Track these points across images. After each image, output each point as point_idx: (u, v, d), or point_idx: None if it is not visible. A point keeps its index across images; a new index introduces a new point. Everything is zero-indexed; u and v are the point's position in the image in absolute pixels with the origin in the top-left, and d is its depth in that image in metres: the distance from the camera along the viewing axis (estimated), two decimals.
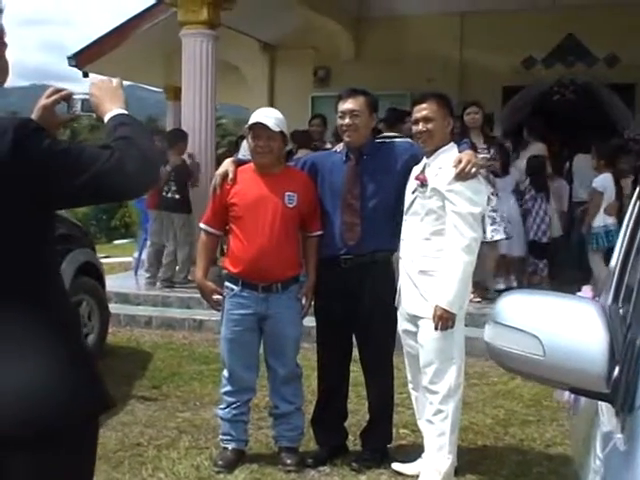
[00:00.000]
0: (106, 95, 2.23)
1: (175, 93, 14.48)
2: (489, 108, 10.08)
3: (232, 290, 4.45)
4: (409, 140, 4.68)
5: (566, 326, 1.74)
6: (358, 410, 5.19)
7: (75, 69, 13.10)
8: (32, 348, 1.94)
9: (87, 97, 2.28)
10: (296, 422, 4.58)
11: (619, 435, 1.65)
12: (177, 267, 9.53)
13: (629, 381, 1.68)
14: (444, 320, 3.98)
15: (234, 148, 11.86)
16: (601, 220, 8.68)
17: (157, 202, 9.34)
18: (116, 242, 18.43)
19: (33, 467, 1.96)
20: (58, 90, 2.31)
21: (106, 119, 2.17)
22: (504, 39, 11.30)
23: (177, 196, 9.27)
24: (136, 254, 11.11)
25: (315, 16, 11.79)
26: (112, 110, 2.18)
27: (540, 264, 9.29)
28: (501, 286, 8.77)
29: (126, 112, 2.18)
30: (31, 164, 1.91)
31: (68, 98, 2.31)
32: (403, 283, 4.28)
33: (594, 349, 1.70)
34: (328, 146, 9.35)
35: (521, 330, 1.78)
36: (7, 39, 2.08)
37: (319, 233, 4.53)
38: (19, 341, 1.94)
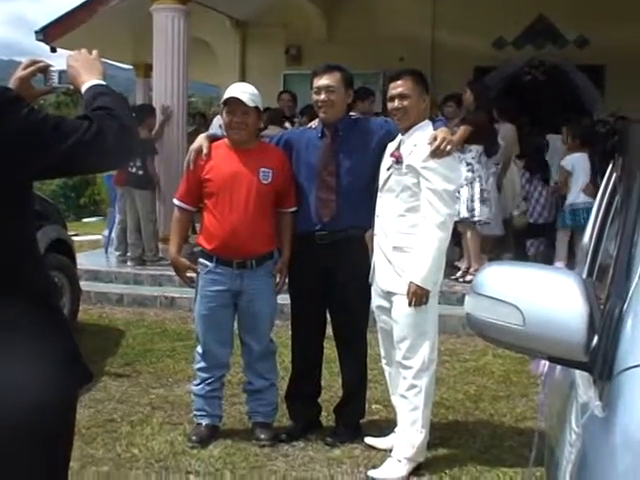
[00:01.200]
0: (84, 66, 2.21)
1: (145, 70, 14.35)
2: (460, 88, 10.14)
3: (206, 266, 4.44)
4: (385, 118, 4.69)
5: (546, 296, 1.76)
6: (331, 386, 5.22)
7: (43, 44, 12.91)
8: (12, 323, 1.94)
9: (64, 69, 2.25)
10: (270, 398, 4.61)
11: (597, 402, 1.68)
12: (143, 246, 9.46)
13: (607, 349, 1.71)
14: (418, 296, 4.01)
15: (203, 123, 11.82)
16: (570, 199, 8.79)
17: (123, 178, 9.27)
18: (85, 220, 18.23)
19: (14, 442, 1.96)
20: (35, 62, 2.29)
21: (83, 89, 2.15)
22: (476, 19, 11.34)
23: (140, 172, 9.18)
24: (106, 232, 11.03)
25: None
26: (90, 80, 2.16)
27: (538, 244, 9.38)
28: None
29: (104, 83, 2.16)
30: (8, 133, 1.88)
31: (45, 70, 2.29)
32: (377, 260, 4.30)
33: (573, 319, 1.72)
34: (295, 121, 9.41)
35: (501, 300, 1.79)
36: None
37: (293, 209, 4.53)
38: None
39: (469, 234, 8.25)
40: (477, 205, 8.02)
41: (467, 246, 8.34)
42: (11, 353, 1.91)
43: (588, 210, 8.66)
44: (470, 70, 11.93)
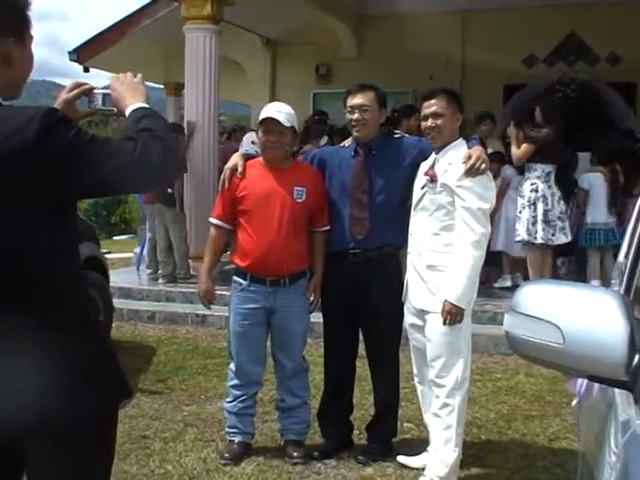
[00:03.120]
0: (128, 89, 2.24)
1: (175, 89, 14.50)
2: (490, 107, 10.14)
3: (240, 284, 4.47)
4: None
5: (586, 315, 1.75)
6: (363, 404, 5.22)
7: (76, 64, 13.11)
8: (52, 341, 1.96)
9: (108, 92, 2.29)
10: (302, 415, 4.61)
11: (638, 422, 1.67)
12: (175, 265, 9.51)
13: None
14: (452, 315, 4.00)
15: (226, 139, 11.92)
16: (589, 218, 8.75)
17: (153, 196, 9.34)
18: (116, 238, 18.40)
19: (56, 457, 2.01)
20: (80, 84, 2.33)
21: (127, 112, 2.18)
22: (506, 37, 11.32)
23: (169, 190, 9.24)
24: (137, 249, 11.12)
25: (317, 12, 11.81)
26: (134, 103, 2.19)
27: (569, 262, 9.31)
28: (508, 283, 8.81)
29: (147, 105, 2.19)
30: (57, 153, 1.92)
31: (89, 92, 2.33)
32: (410, 278, 4.30)
33: (614, 337, 1.71)
34: (322, 143, 9.47)
35: (541, 319, 1.79)
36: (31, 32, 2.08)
37: (327, 228, 4.55)
38: (36, 335, 1.95)
39: (529, 256, 8.09)
40: (539, 227, 7.82)
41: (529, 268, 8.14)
42: (46, 364, 1.93)
43: (606, 231, 8.70)
44: (500, 88, 11.94)
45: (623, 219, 8.31)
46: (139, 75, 2.30)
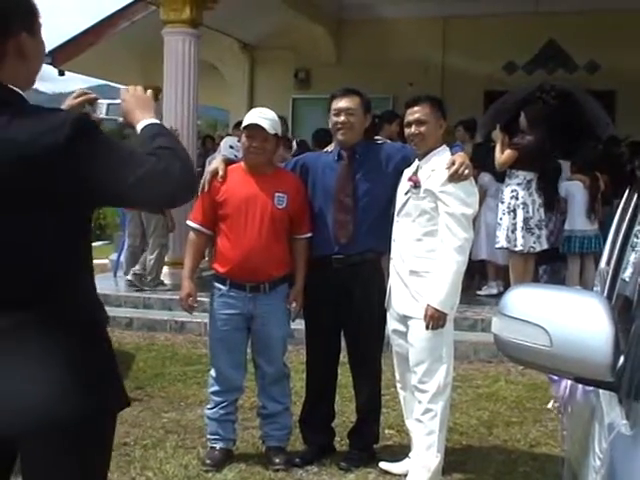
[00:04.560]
0: (138, 103, 2.26)
1: (153, 93, 14.42)
2: (470, 113, 10.18)
3: (220, 290, 4.44)
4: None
5: (572, 317, 1.77)
6: (344, 411, 5.19)
7: (50, 67, 12.98)
8: (58, 343, 1.96)
9: (113, 102, 2.34)
10: (284, 422, 4.58)
11: (624, 422, 1.70)
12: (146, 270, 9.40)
13: (634, 370, 1.73)
14: (435, 320, 4.00)
15: (202, 147, 11.88)
16: (566, 225, 8.82)
17: None
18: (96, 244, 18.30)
19: (53, 460, 2.02)
20: (85, 93, 2.38)
21: (139, 127, 2.19)
22: (486, 44, 11.37)
23: None
24: (114, 256, 11.03)
25: (296, 17, 11.79)
26: (145, 119, 2.19)
27: (545, 269, 9.34)
28: (493, 291, 8.82)
29: (159, 122, 2.20)
30: (85, 159, 1.93)
31: (93, 101, 2.38)
32: (393, 284, 4.29)
33: (599, 339, 1.74)
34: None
35: (528, 322, 1.81)
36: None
37: (308, 235, 4.52)
38: (42, 336, 1.96)
39: (510, 263, 8.08)
40: (519, 234, 7.80)
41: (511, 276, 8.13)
42: (50, 366, 1.94)
43: (583, 239, 8.78)
44: (480, 94, 11.98)
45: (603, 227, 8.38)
46: (149, 91, 2.34)
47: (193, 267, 4.60)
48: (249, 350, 4.58)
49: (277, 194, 4.37)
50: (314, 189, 4.53)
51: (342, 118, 4.42)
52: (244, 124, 4.43)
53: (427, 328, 4.01)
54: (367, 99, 4.54)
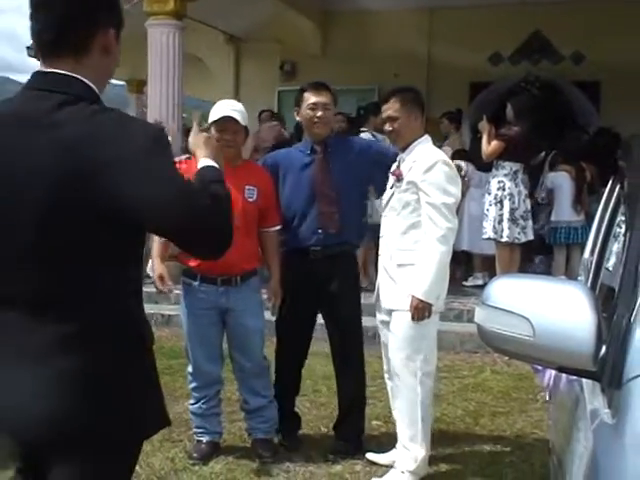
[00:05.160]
0: (198, 144, 2.32)
1: (137, 86, 14.37)
2: (456, 104, 10.20)
3: (190, 285, 4.39)
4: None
5: (555, 307, 1.78)
6: (329, 402, 5.20)
7: (35, 60, 12.90)
8: (102, 358, 1.94)
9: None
10: (269, 414, 4.56)
11: (606, 410, 1.71)
12: None
13: (616, 359, 1.74)
14: (420, 310, 3.99)
15: (186, 140, 11.83)
16: (552, 216, 8.86)
17: None
18: None
19: (79, 475, 1.96)
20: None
21: (199, 164, 2.18)
22: (472, 35, 11.35)
23: None
24: None
25: (282, 8, 11.74)
26: (205, 158, 2.20)
27: (541, 260, 9.37)
28: (479, 281, 8.84)
29: (217, 165, 2.18)
30: (153, 172, 1.89)
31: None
32: (381, 280, 4.29)
33: (582, 329, 1.74)
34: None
35: (511, 312, 1.81)
36: None
37: (278, 227, 4.52)
38: (87, 349, 1.92)
39: (497, 254, 8.11)
40: (505, 225, 7.82)
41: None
42: (90, 380, 1.92)
43: (569, 229, 8.83)
44: (466, 86, 11.99)
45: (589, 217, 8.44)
46: (207, 134, 2.58)
47: (161, 249, 4.43)
48: (226, 345, 4.55)
49: (247, 187, 4.34)
50: (289, 184, 4.53)
51: (320, 113, 4.45)
52: (215, 117, 4.31)
53: (413, 319, 4.01)
54: (335, 94, 4.60)
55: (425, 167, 4.05)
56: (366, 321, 7.24)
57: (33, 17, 1.99)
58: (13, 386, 1.91)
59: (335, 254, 4.47)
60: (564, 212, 8.86)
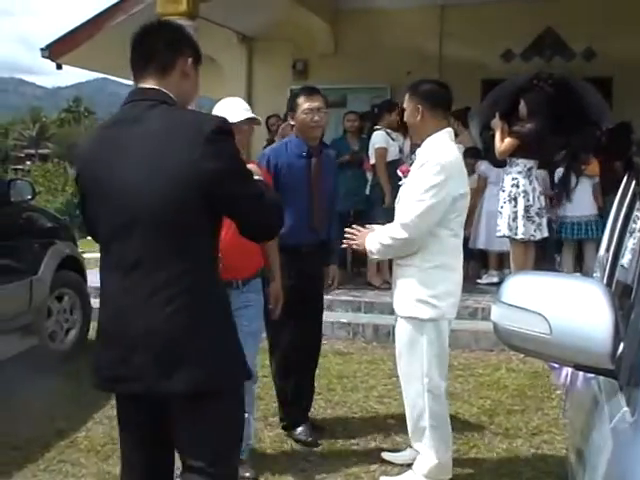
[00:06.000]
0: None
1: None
2: (468, 101, 10.15)
3: None
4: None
5: (572, 305, 1.77)
6: (345, 402, 5.19)
7: (48, 60, 12.96)
8: (210, 315, 2.52)
9: None
10: (247, 431, 3.73)
11: (625, 408, 1.70)
12: None
13: (634, 357, 1.72)
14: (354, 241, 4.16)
15: None
16: (560, 211, 8.82)
17: None
18: (89, 237, 18.13)
19: (203, 417, 2.51)
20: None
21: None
22: (483, 32, 11.31)
23: None
24: None
25: (294, 8, 11.73)
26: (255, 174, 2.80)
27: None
28: (494, 279, 8.81)
29: (261, 177, 2.97)
30: (217, 164, 2.42)
31: None
32: (392, 282, 4.26)
33: (599, 327, 1.73)
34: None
35: (528, 310, 1.81)
36: None
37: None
38: (196, 314, 2.47)
39: (511, 251, 8.08)
40: (520, 222, 7.79)
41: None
42: (209, 335, 2.49)
43: (580, 224, 8.79)
44: (478, 83, 11.94)
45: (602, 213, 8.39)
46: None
47: None
48: None
49: None
50: (287, 182, 4.60)
51: (317, 117, 4.63)
52: (240, 118, 4.07)
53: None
54: (326, 97, 4.81)
55: (416, 167, 4.00)
56: (379, 319, 7.32)
57: (132, 50, 2.68)
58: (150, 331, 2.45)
59: (322, 250, 4.75)
60: (574, 207, 8.79)
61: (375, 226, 4.18)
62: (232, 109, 4.16)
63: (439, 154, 3.97)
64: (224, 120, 2.57)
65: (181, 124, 2.47)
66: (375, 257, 4.23)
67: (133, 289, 2.48)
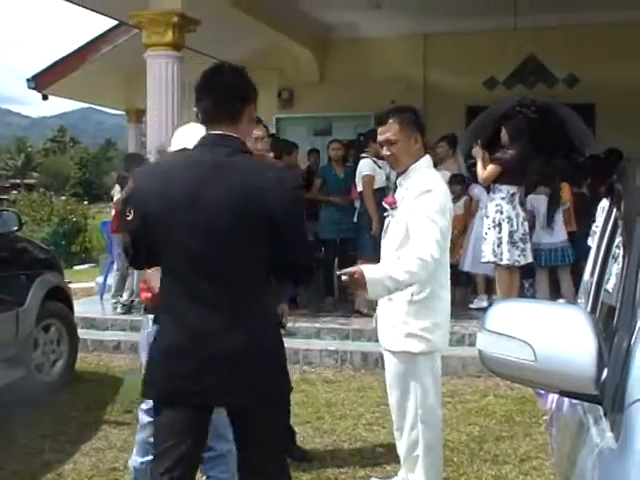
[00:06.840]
0: None
1: (137, 115, 14.46)
2: (453, 128, 10.24)
3: None
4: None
5: (556, 332, 1.79)
6: (333, 430, 5.18)
7: (34, 91, 13.01)
8: (269, 333, 2.86)
9: None
10: (232, 464, 3.38)
11: (609, 434, 1.71)
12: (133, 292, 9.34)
13: (617, 383, 1.74)
14: (354, 280, 3.55)
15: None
16: (533, 238, 8.80)
17: (118, 225, 9.21)
18: (76, 267, 18.11)
19: (263, 426, 2.85)
20: None
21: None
22: (467, 60, 11.44)
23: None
24: (100, 279, 10.97)
25: (279, 38, 11.83)
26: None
27: (531, 283, 9.33)
28: (484, 304, 8.81)
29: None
30: (286, 215, 2.75)
31: None
32: (378, 310, 4.13)
33: (583, 353, 1.75)
34: None
35: (512, 337, 1.82)
36: None
37: None
38: (260, 327, 2.80)
39: (497, 277, 8.13)
40: (505, 248, 7.83)
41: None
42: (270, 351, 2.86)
43: (549, 251, 8.82)
44: (462, 110, 12.05)
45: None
46: None
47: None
48: None
49: None
50: None
51: (259, 145, 4.52)
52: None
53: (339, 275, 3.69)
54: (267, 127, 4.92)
55: (416, 194, 3.83)
56: (367, 347, 7.31)
57: (199, 97, 2.95)
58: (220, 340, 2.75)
59: None
60: (544, 234, 8.83)
61: (363, 267, 3.66)
62: (191, 136, 4.22)
63: (434, 182, 3.91)
64: (300, 178, 3.00)
65: (263, 175, 2.79)
66: (380, 297, 3.86)
67: (206, 315, 2.75)
